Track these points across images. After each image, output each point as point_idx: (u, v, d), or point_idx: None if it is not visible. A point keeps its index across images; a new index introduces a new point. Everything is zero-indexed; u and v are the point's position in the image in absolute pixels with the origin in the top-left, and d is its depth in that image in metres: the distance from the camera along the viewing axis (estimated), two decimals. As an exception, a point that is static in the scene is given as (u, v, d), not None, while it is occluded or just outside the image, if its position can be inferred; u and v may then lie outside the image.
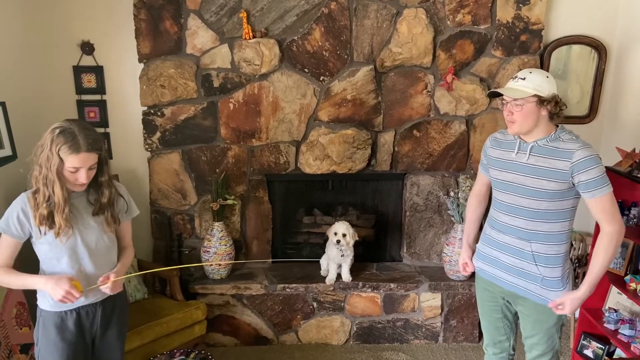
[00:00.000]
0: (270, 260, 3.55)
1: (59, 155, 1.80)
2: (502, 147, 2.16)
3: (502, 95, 2.03)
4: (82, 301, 1.97)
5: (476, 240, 2.39)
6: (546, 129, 2.02)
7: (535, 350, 2.21)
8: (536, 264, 2.07)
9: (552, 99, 1.97)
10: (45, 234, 1.88)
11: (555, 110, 1.98)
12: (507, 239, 2.13)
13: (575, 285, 2.15)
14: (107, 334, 2.08)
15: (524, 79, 1.99)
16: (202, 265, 3.36)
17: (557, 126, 2.05)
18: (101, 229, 1.99)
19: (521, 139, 2.07)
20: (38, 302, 2.00)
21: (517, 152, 2.07)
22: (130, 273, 2.85)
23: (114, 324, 2.09)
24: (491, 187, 2.29)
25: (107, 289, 1.96)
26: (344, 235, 3.19)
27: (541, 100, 1.96)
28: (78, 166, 1.83)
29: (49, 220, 1.86)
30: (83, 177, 1.86)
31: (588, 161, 1.92)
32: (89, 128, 1.89)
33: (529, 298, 2.12)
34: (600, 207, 1.96)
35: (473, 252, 2.38)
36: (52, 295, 1.85)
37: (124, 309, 2.17)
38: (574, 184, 1.97)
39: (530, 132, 2.03)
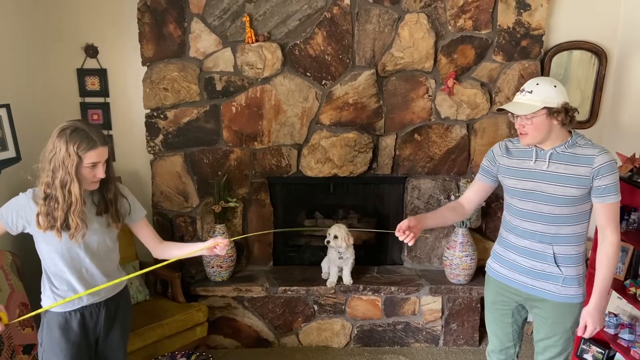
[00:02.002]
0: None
1: (77, 154, 1.82)
2: (517, 156, 2.14)
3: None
4: (84, 301, 1.99)
5: (429, 221, 2.24)
6: (561, 136, 2.02)
7: (549, 352, 2.19)
8: (558, 265, 2.07)
9: (562, 108, 1.95)
10: (61, 236, 1.89)
11: (566, 119, 1.97)
12: (527, 243, 2.13)
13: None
14: (110, 335, 2.09)
15: (530, 92, 1.97)
16: (205, 267, 3.37)
17: (571, 132, 2.05)
18: (103, 230, 2.01)
19: (537, 147, 2.07)
20: (42, 303, 2.01)
21: (536, 160, 2.06)
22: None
23: (117, 324, 2.11)
24: (478, 204, 2.33)
25: (222, 250, 2.07)
26: (335, 237, 3.21)
27: (551, 112, 1.95)
28: (96, 161, 1.87)
29: (65, 223, 1.87)
30: (101, 172, 1.90)
31: (608, 167, 1.95)
32: (92, 124, 1.96)
33: (549, 299, 2.11)
34: (608, 213, 2.00)
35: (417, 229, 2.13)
36: None
37: (127, 309, 2.18)
38: (591, 188, 1.99)
39: (544, 142, 2.03)
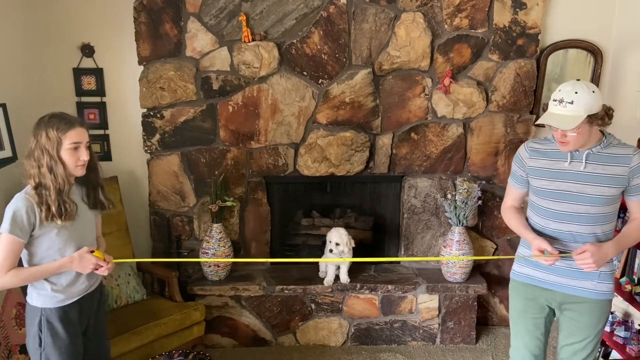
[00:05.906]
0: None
1: (57, 136, 1.87)
2: (548, 156, 2.11)
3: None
4: (83, 289, 2.06)
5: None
6: (596, 137, 2.02)
7: (578, 357, 2.15)
8: None
9: (604, 112, 1.94)
10: (58, 223, 1.91)
11: (608, 121, 1.97)
12: (561, 244, 2.09)
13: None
14: (97, 323, 2.18)
15: (571, 102, 1.91)
16: (203, 266, 3.38)
17: (603, 132, 2.05)
18: (92, 222, 2.11)
19: None
20: (35, 303, 1.99)
21: (571, 161, 2.04)
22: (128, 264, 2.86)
23: (100, 312, 2.20)
24: (523, 198, 2.26)
25: (106, 271, 2.04)
26: (337, 244, 3.20)
27: (594, 118, 1.92)
28: (77, 141, 1.90)
29: (61, 209, 1.90)
30: (84, 154, 1.93)
31: None
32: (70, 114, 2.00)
33: (587, 297, 2.08)
34: None
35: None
36: (81, 270, 1.95)
37: (104, 299, 2.29)
38: (627, 187, 2.01)
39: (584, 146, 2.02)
